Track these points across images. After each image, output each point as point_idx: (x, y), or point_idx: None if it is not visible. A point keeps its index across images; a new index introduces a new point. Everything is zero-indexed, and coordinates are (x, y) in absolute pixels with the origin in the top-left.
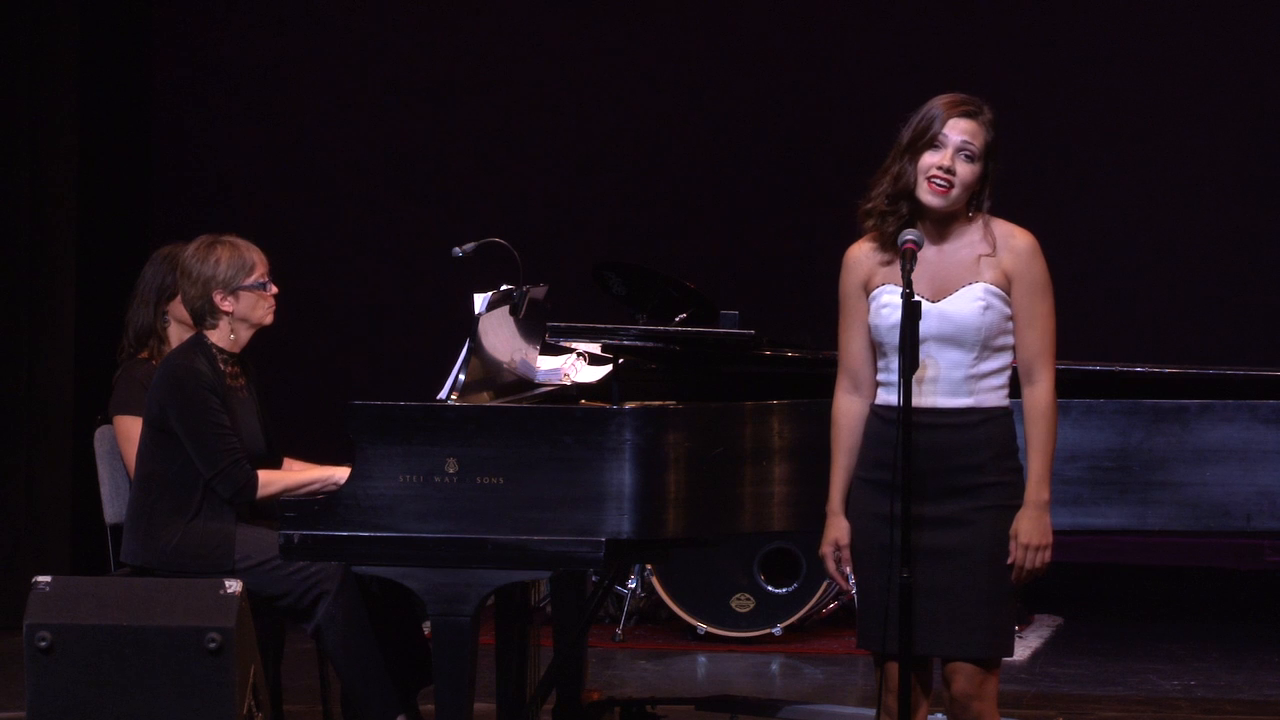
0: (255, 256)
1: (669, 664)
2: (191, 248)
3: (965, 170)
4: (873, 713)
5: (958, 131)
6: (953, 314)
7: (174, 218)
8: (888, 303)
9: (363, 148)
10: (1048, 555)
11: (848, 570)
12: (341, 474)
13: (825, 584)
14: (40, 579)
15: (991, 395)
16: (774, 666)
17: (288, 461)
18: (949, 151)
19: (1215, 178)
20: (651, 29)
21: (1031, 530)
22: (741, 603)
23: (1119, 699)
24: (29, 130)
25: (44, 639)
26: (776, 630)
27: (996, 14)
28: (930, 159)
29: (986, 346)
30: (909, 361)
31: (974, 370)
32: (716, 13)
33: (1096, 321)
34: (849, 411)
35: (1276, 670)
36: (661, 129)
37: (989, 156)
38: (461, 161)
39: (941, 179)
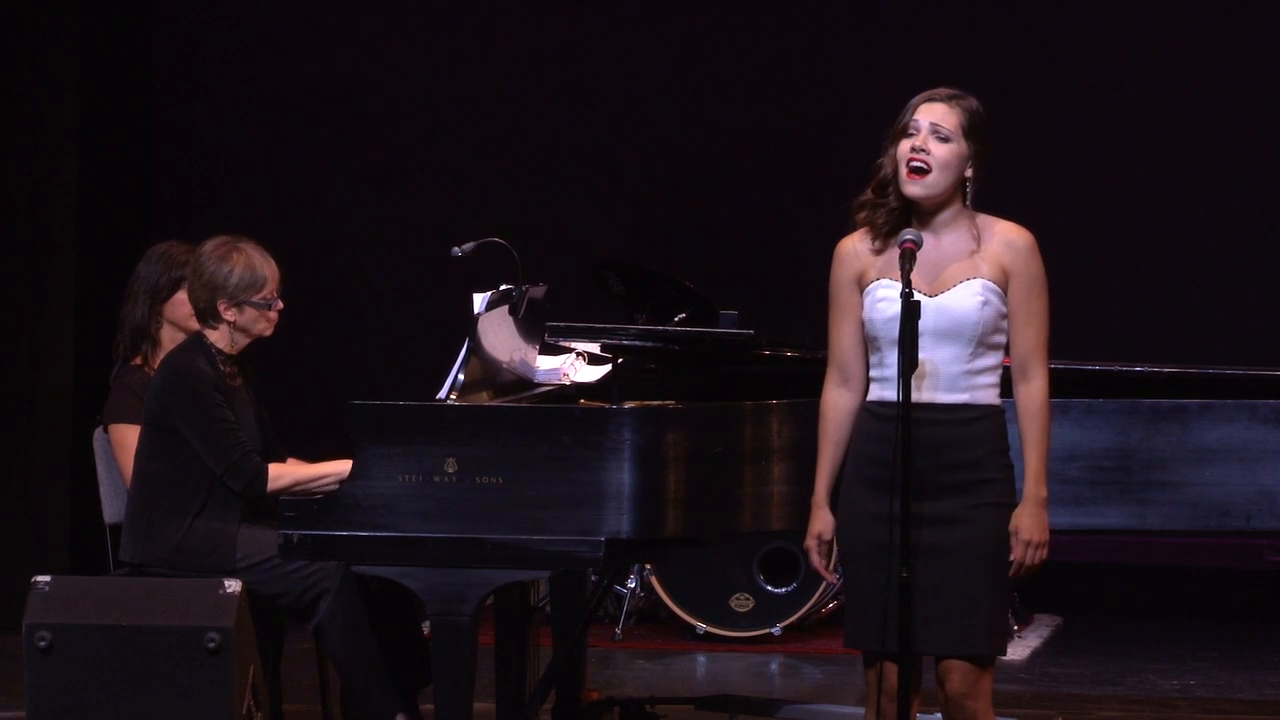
0: (268, 272)
1: (669, 664)
2: (210, 246)
3: (941, 150)
4: None
5: (926, 116)
6: (951, 308)
7: (174, 217)
8: (884, 296)
9: (363, 147)
10: (1045, 552)
11: (828, 564)
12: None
13: (824, 584)
14: (40, 579)
15: (985, 393)
16: (773, 666)
17: (291, 461)
18: (922, 135)
19: (1215, 177)
20: (651, 29)
21: (1033, 526)
22: (741, 602)
23: (1119, 699)
24: (29, 129)
25: (44, 639)
26: (776, 630)
27: (993, 14)
28: (905, 146)
29: (982, 343)
30: (908, 361)
31: (969, 366)
32: (714, 13)
33: (1096, 321)
34: (837, 405)
35: (1276, 670)
36: (661, 129)
37: (967, 137)
38: (461, 161)
39: (918, 160)
